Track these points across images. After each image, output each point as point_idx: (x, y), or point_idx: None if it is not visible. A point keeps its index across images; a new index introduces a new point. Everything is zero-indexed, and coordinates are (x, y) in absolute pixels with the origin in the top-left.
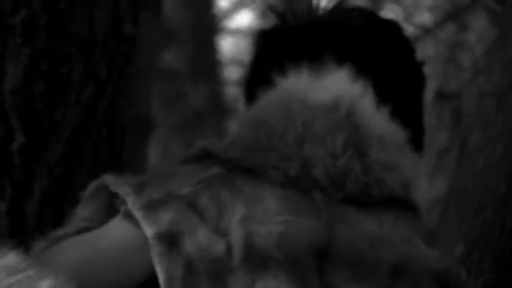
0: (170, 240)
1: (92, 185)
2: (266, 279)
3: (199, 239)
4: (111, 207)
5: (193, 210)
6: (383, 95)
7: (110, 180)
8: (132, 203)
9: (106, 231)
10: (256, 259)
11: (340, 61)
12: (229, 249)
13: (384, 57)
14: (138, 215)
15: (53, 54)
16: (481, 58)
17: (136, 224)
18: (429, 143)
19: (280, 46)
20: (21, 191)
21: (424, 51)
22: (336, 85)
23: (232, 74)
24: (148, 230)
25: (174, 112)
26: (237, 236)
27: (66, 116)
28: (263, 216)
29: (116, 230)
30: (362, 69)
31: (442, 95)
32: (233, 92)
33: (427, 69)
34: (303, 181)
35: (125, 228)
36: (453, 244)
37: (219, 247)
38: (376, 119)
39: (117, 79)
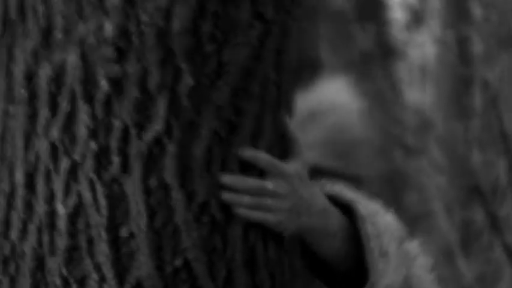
0: None
1: None
2: None
3: None
4: None
5: None
6: None
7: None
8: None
9: None
10: None
11: None
12: None
13: None
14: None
15: None
16: None
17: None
18: None
19: None
20: (189, 133)
21: None
22: None
23: (399, 15)
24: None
25: (340, 53)
26: None
27: (233, 56)
28: None
29: None
30: None
31: None
32: (399, 34)
33: None
34: None
35: None
36: None
37: None
38: None
39: (284, 20)
